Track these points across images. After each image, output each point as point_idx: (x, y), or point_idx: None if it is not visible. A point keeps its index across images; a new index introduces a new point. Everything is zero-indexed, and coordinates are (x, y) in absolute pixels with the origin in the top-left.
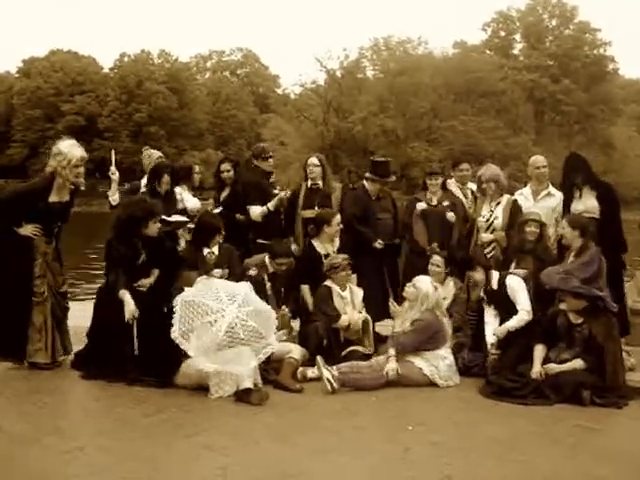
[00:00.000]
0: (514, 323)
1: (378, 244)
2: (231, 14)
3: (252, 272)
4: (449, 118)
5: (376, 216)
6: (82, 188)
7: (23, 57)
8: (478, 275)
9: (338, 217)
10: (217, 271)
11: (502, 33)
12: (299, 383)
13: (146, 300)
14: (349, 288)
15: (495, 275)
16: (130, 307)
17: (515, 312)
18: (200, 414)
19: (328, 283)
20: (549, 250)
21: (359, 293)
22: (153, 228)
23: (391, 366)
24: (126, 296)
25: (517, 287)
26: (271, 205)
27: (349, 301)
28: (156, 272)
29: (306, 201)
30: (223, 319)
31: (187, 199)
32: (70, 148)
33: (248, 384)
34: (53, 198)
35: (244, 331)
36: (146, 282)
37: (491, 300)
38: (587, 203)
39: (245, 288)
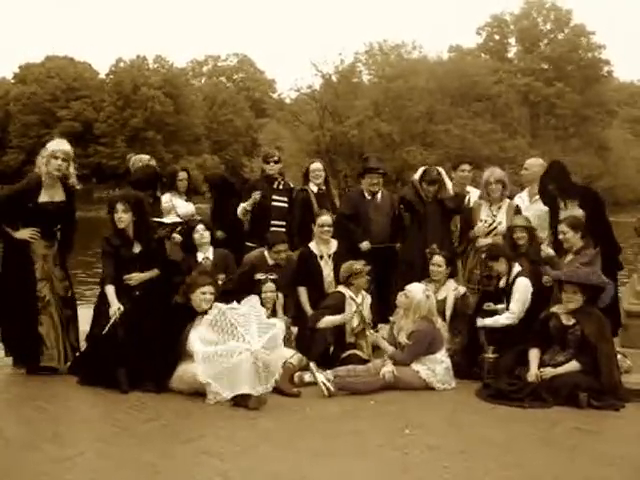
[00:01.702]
0: (490, 322)
1: (364, 245)
2: (226, 19)
3: (259, 276)
4: (444, 122)
5: (368, 215)
6: (77, 187)
7: (19, 63)
8: (501, 266)
9: (322, 218)
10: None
11: (497, 37)
12: (296, 387)
13: (142, 303)
14: (361, 293)
15: (517, 268)
16: (114, 303)
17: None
18: (198, 419)
19: (341, 289)
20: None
21: (368, 299)
22: (116, 217)
23: (387, 369)
24: (110, 291)
25: (522, 289)
26: (247, 204)
27: (361, 306)
28: (155, 271)
29: (320, 205)
30: (247, 356)
31: (178, 205)
32: (51, 144)
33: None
34: (43, 198)
35: (263, 363)
36: (136, 276)
37: (497, 292)
38: (574, 212)
39: (254, 312)
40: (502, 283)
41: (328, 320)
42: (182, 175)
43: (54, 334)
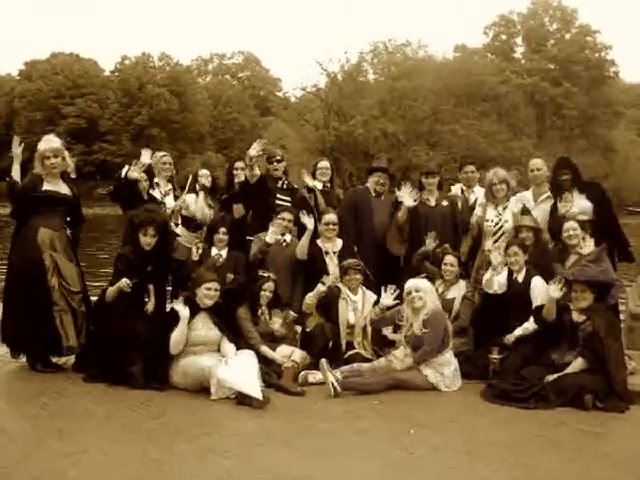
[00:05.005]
0: (520, 332)
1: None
2: (232, 17)
3: (262, 272)
4: (450, 121)
5: (372, 213)
6: (73, 175)
7: (24, 59)
8: (519, 257)
9: (328, 216)
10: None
11: (503, 37)
12: (300, 386)
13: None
14: (362, 292)
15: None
16: (122, 280)
17: (526, 311)
18: (203, 417)
19: (340, 284)
20: (546, 254)
21: (371, 298)
22: (143, 240)
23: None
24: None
25: (539, 289)
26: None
27: (358, 305)
28: (151, 288)
29: (327, 203)
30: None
31: (196, 210)
32: (40, 145)
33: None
34: (47, 187)
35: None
36: (151, 304)
37: (511, 291)
38: (580, 205)
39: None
40: (521, 278)
41: (309, 295)
42: (204, 173)
43: (72, 315)
